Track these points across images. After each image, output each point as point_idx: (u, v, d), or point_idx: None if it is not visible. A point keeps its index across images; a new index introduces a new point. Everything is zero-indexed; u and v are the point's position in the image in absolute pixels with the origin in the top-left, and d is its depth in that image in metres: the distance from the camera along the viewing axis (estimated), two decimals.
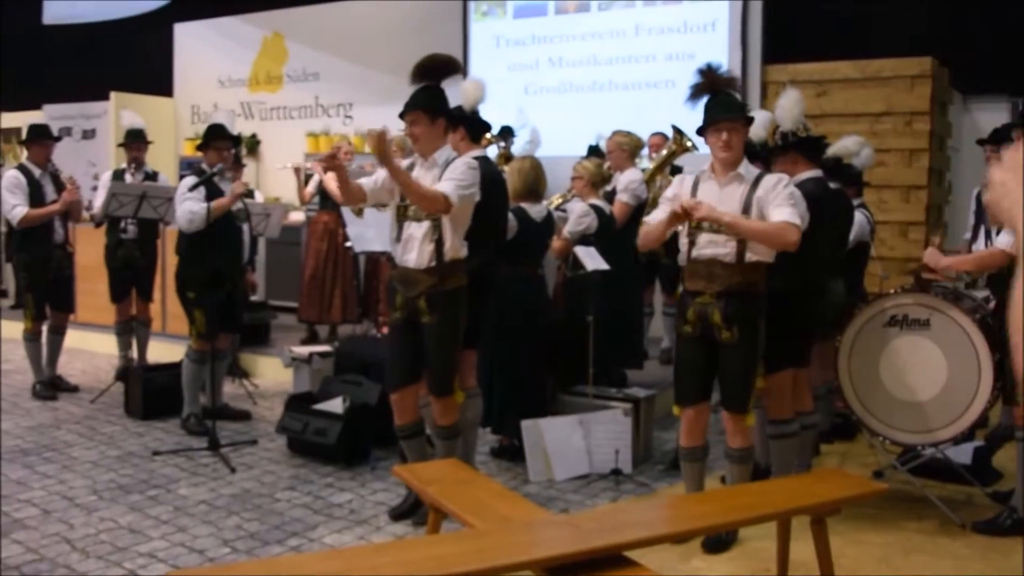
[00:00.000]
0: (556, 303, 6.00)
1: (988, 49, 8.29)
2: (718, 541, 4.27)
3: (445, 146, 4.54)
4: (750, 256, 4.05)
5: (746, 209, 4.04)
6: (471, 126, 5.02)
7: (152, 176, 7.24)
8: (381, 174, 4.63)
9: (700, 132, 4.16)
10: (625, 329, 6.15)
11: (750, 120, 4.18)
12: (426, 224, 4.39)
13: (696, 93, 4.13)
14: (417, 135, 4.48)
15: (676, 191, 4.25)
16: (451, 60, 4.52)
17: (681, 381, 4.33)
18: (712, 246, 4.08)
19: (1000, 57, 8.28)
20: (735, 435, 4.29)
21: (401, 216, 4.49)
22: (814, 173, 4.62)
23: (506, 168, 6.28)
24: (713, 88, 4.10)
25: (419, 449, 4.66)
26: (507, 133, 8.15)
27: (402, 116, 4.56)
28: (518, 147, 7.85)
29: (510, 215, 5.32)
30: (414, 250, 4.42)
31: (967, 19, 8.32)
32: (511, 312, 5.40)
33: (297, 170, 8.33)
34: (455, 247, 4.43)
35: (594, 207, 5.91)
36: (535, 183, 5.49)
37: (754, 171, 4.14)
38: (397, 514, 4.69)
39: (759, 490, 3.84)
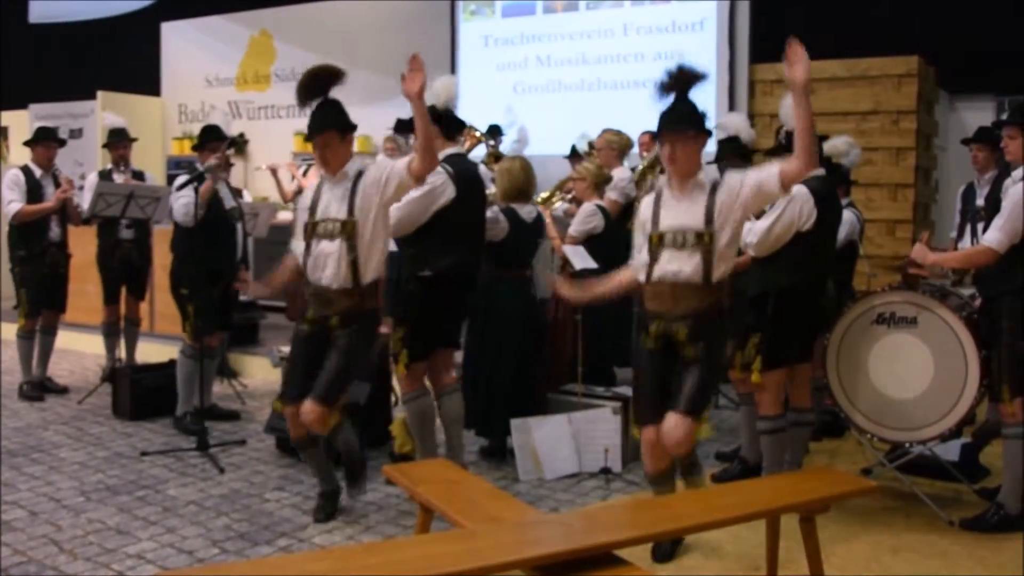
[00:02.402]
0: (559, 302, 5.99)
1: (974, 48, 8.33)
2: (665, 550, 4.12)
3: (353, 158, 4.47)
4: (717, 274, 3.81)
5: (709, 220, 3.80)
6: (444, 124, 4.98)
7: (139, 175, 7.24)
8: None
9: (654, 140, 3.98)
10: (615, 327, 6.16)
11: (703, 130, 3.91)
12: (338, 242, 4.33)
13: (662, 92, 3.93)
14: (329, 157, 4.38)
15: (643, 216, 4.03)
16: (335, 69, 4.39)
17: (640, 399, 4.02)
18: (675, 262, 3.82)
19: (986, 56, 8.32)
20: (677, 438, 3.79)
21: (310, 233, 4.43)
22: (818, 172, 4.62)
23: (495, 167, 6.28)
24: (677, 88, 3.90)
25: (318, 457, 4.64)
26: (495, 132, 8.15)
27: (309, 139, 4.42)
28: (506, 146, 7.85)
29: (502, 216, 5.31)
30: (328, 267, 4.36)
31: (953, 18, 8.36)
32: (499, 315, 5.39)
33: (274, 171, 8.38)
34: (373, 268, 4.39)
35: (599, 207, 5.94)
36: (525, 184, 5.48)
37: (713, 176, 3.95)
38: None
39: (748, 488, 3.85)
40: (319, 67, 4.42)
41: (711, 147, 4.43)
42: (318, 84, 4.39)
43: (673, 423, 3.79)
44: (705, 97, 4.06)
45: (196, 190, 5.67)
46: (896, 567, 4.10)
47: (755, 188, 3.80)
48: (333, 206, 4.39)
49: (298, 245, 4.56)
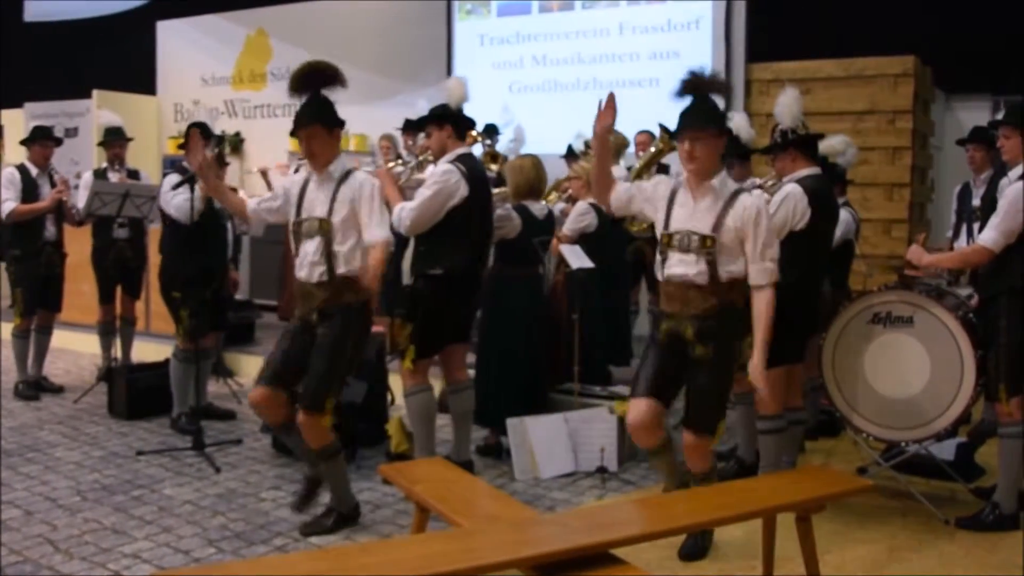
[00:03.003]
0: (555, 300, 6.00)
1: (970, 48, 8.35)
2: (695, 547, 4.14)
3: (339, 157, 4.46)
4: (724, 275, 3.85)
5: (716, 227, 3.82)
6: (457, 124, 5.04)
7: (134, 174, 7.24)
8: (278, 193, 4.60)
9: (673, 138, 3.99)
10: (613, 326, 6.17)
11: (723, 130, 3.95)
12: (316, 239, 4.35)
13: (680, 93, 3.94)
14: (315, 151, 4.35)
15: (652, 191, 4.05)
16: (333, 68, 4.36)
17: (638, 376, 4.03)
18: (682, 265, 3.87)
19: (982, 56, 8.33)
20: (697, 458, 3.98)
21: (296, 234, 4.45)
22: (813, 170, 4.64)
23: (492, 167, 6.29)
24: (695, 90, 3.91)
25: (295, 438, 4.53)
26: (492, 131, 8.16)
27: (294, 133, 4.42)
28: (502, 145, 7.86)
29: (514, 214, 5.33)
30: (307, 264, 4.38)
31: (949, 18, 8.37)
32: (511, 311, 5.40)
33: (263, 173, 8.41)
34: (346, 261, 4.36)
35: (593, 206, 5.95)
36: (537, 181, 5.53)
37: (731, 186, 3.92)
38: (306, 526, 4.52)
39: (744, 488, 3.85)
40: (318, 63, 4.39)
41: None
42: (312, 80, 4.36)
43: (692, 444, 3.96)
44: None
45: (192, 189, 5.67)
46: (892, 566, 4.10)
47: (750, 236, 3.84)
48: (317, 207, 4.39)
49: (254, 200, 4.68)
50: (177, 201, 5.77)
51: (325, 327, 4.36)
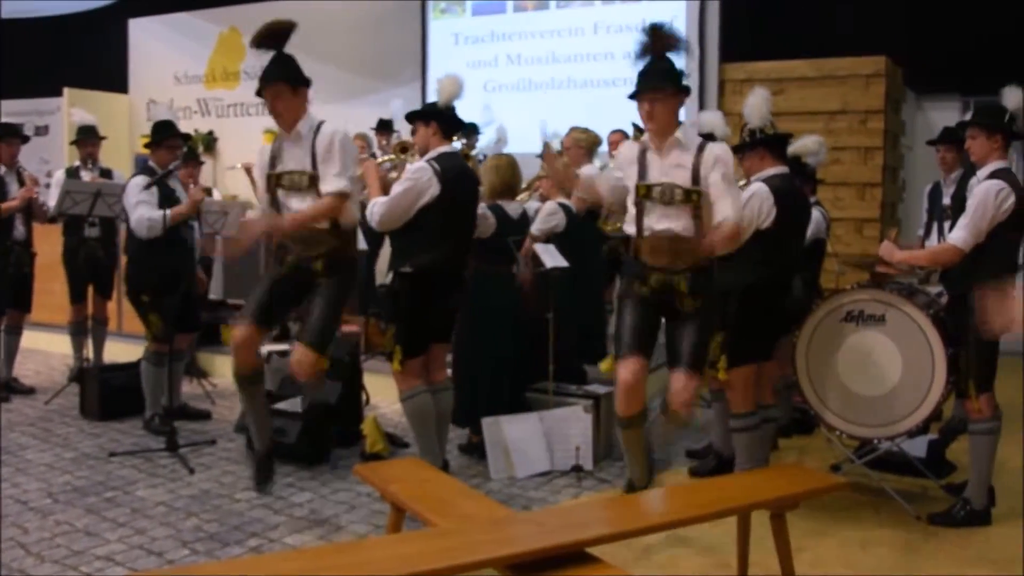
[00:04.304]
0: (525, 299, 6.00)
1: (941, 49, 8.44)
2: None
3: (307, 115, 4.48)
4: (709, 228, 3.97)
5: (696, 179, 3.97)
6: (444, 122, 5.00)
7: (107, 173, 7.18)
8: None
9: (631, 98, 4.07)
10: (587, 325, 6.17)
11: (681, 88, 4.04)
12: (309, 197, 4.40)
13: (640, 54, 4.04)
14: (281, 110, 4.42)
15: (623, 159, 4.19)
16: (290, 24, 4.46)
17: (623, 336, 4.14)
18: (667, 219, 3.98)
19: (952, 57, 8.42)
20: (683, 399, 4.09)
21: (274, 185, 4.49)
22: (781, 170, 4.68)
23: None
24: (655, 50, 4.00)
25: (258, 398, 4.72)
26: (471, 131, 8.15)
27: (260, 93, 4.46)
28: (485, 144, 7.85)
29: (490, 213, 5.33)
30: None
31: (920, 19, 8.46)
32: (487, 310, 5.39)
33: (248, 169, 8.35)
34: (348, 214, 4.46)
35: (562, 205, 5.95)
36: (513, 181, 5.53)
37: (696, 138, 4.02)
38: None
39: (718, 485, 3.87)
40: (275, 22, 4.48)
41: None
42: (272, 37, 4.46)
43: (682, 384, 4.08)
44: None
45: (159, 194, 5.64)
46: (865, 562, 4.14)
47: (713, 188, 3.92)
48: (294, 162, 4.43)
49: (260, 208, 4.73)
50: (137, 214, 5.74)
51: (332, 278, 4.45)
